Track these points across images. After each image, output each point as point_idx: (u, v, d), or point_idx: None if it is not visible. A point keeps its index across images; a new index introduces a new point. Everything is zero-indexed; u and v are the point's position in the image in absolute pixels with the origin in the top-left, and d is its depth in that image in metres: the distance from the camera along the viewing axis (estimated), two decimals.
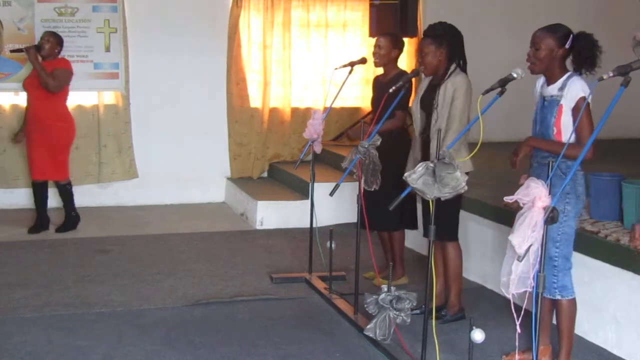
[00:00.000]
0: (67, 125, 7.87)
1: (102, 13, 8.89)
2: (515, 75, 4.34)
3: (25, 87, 7.93)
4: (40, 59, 7.67)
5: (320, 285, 6.16)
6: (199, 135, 9.40)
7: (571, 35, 4.39)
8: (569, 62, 4.48)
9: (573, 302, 4.51)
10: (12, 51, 8.33)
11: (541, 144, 4.40)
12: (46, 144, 7.75)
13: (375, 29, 9.12)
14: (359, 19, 9.86)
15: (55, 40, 7.83)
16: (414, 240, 7.04)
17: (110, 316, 5.57)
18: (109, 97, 9.14)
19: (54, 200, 8.16)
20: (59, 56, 7.88)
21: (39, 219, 7.97)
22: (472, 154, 4.94)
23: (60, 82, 7.64)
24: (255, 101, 9.62)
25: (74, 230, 7.98)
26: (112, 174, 9.18)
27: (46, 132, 7.73)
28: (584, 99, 4.24)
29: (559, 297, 4.47)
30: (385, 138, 5.33)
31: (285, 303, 5.93)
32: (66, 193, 7.97)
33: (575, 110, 4.29)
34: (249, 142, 9.62)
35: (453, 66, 5.35)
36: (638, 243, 3.82)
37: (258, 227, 8.33)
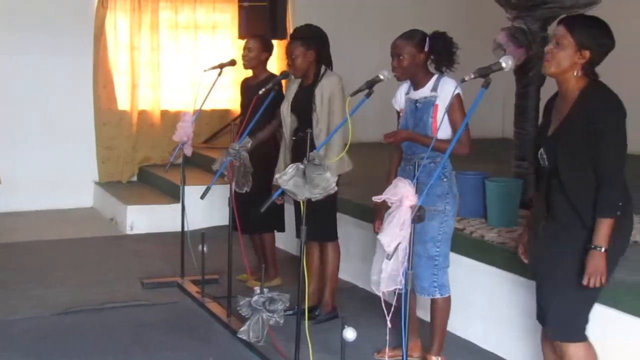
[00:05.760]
0: None
1: None
2: (382, 77, 4.43)
3: None
4: None
5: (193, 289, 6.11)
6: (65, 139, 9.15)
7: (427, 38, 4.53)
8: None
9: (448, 300, 4.65)
10: None
11: (418, 137, 4.48)
12: None
13: (245, 31, 9.09)
14: (228, 20, 9.83)
15: None
16: (287, 241, 7.06)
17: None
18: None
19: None
20: None
21: None
22: (340, 155, 5.01)
23: None
24: (123, 104, 9.45)
25: None
26: None
27: None
28: (459, 95, 4.39)
29: (438, 296, 4.58)
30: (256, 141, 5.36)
31: (157, 308, 5.85)
32: None
33: (452, 107, 4.41)
34: (117, 145, 9.44)
35: (323, 68, 5.42)
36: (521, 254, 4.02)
37: (128, 232, 8.19)
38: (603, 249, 3.48)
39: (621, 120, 3.50)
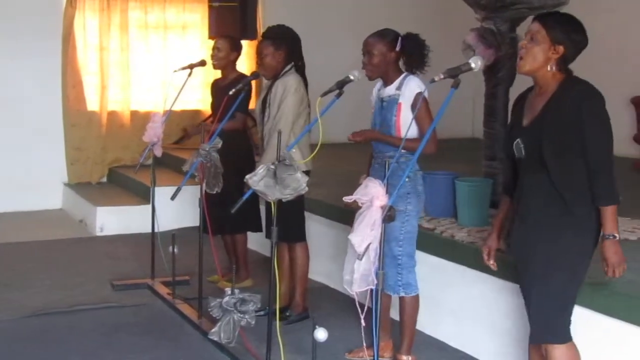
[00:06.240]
0: None
1: None
2: (352, 77, 4.44)
3: None
4: None
5: (164, 290, 6.09)
6: (34, 139, 9.07)
7: (399, 38, 4.56)
8: (401, 64, 4.64)
9: (416, 299, 4.67)
10: None
11: (381, 137, 4.52)
12: None
13: (215, 31, 9.07)
14: (198, 20, 9.81)
15: None
16: (259, 242, 7.05)
17: None
18: None
19: None
20: None
21: None
22: (312, 156, 5.00)
23: None
24: (92, 104, 9.39)
25: None
26: None
27: None
28: (420, 94, 4.40)
29: (402, 294, 4.60)
30: (226, 140, 5.34)
31: (127, 310, 5.82)
32: None
33: (413, 107, 4.43)
34: (87, 146, 9.37)
35: (288, 66, 5.41)
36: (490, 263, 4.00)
37: (98, 233, 8.14)
38: (617, 237, 3.49)
39: (604, 107, 3.53)
